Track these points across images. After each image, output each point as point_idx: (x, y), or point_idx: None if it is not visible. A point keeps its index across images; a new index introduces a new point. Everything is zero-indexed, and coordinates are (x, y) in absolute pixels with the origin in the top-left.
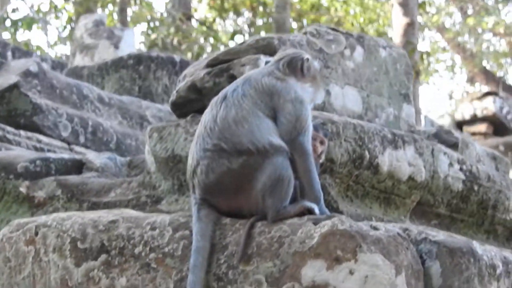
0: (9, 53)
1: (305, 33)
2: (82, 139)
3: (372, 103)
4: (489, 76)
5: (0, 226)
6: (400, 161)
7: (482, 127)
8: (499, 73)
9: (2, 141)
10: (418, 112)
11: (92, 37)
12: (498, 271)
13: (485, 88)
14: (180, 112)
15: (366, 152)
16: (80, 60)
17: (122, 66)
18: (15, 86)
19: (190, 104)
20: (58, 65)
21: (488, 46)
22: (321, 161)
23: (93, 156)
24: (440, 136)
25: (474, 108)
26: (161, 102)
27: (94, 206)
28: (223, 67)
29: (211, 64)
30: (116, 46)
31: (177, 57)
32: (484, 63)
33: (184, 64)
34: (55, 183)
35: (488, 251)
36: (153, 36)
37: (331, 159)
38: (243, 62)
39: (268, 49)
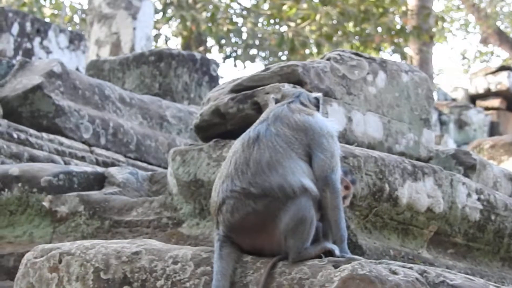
0: (27, 24)
1: (328, 59)
2: (103, 140)
3: (393, 129)
4: (502, 37)
5: (22, 238)
6: (419, 193)
7: (495, 102)
8: None
9: (25, 145)
10: (431, 77)
11: (110, 7)
12: None
13: (498, 50)
14: (204, 135)
15: (386, 185)
16: (97, 31)
17: (143, 62)
18: (38, 87)
19: (214, 128)
20: (76, 36)
21: (502, 7)
22: (345, 205)
23: (115, 171)
24: (458, 157)
25: (488, 82)
26: (181, 100)
27: (115, 225)
28: (247, 94)
29: (235, 90)
30: (134, 17)
31: (197, 55)
32: (498, 23)
33: (205, 62)
34: (77, 199)
35: None
36: None
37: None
38: (267, 90)
39: (293, 76)
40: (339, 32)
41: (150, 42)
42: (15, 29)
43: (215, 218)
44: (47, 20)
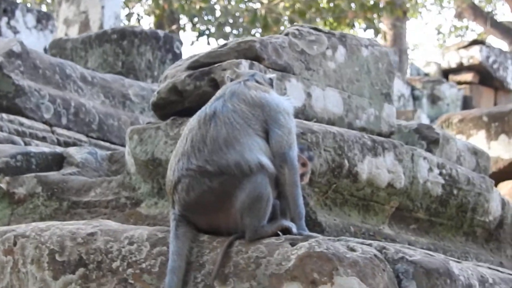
0: None
1: (287, 34)
2: (64, 120)
3: (353, 104)
4: (477, 12)
5: None
6: (379, 168)
7: (468, 76)
8: (488, 8)
9: None
10: (404, 53)
11: None
12: None
13: (473, 24)
14: (161, 113)
15: (346, 161)
16: (66, 10)
17: (106, 40)
18: None
19: (171, 106)
20: (44, 16)
21: None
22: (303, 183)
23: (73, 151)
24: (421, 132)
25: (461, 56)
26: (144, 78)
27: (73, 205)
28: (204, 71)
29: (192, 67)
30: None
31: (161, 32)
32: None
33: (168, 39)
34: (35, 180)
35: (464, 270)
36: None
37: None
38: (224, 66)
39: (250, 52)
40: (313, 9)
41: (119, 20)
42: None
43: (171, 197)
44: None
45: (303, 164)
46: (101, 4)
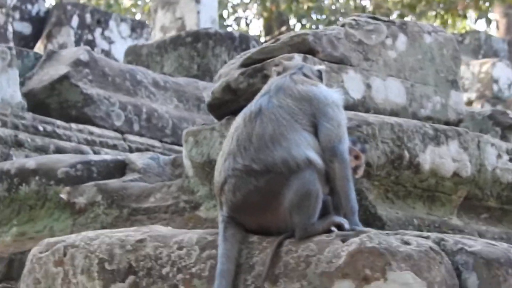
0: (87, 15)
1: (343, 25)
2: (136, 127)
3: (417, 93)
4: None
5: (43, 233)
6: (443, 158)
7: None
8: None
9: (52, 137)
10: None
11: None
12: None
13: None
14: (217, 113)
15: (406, 152)
16: (162, 17)
17: (181, 44)
18: (65, 77)
19: (226, 105)
20: (138, 24)
21: None
22: (357, 176)
23: (135, 157)
24: (495, 118)
25: None
26: None
27: (134, 212)
28: (257, 67)
29: (245, 64)
30: (197, 1)
31: (236, 33)
32: None
33: (244, 39)
34: (95, 189)
35: None
36: None
37: (367, 162)
38: (276, 62)
39: (303, 46)
40: (423, 2)
41: (216, 24)
42: (75, 21)
43: (219, 199)
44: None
45: (356, 157)
46: (196, 9)
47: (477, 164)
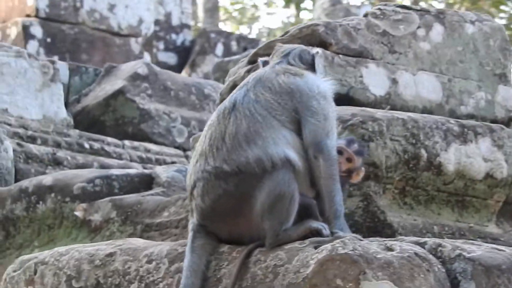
0: (233, 43)
1: (365, 15)
2: None
3: (456, 88)
4: None
5: None
6: (471, 157)
7: None
8: None
9: (99, 154)
10: None
11: (329, 17)
12: None
13: None
14: None
15: (423, 151)
16: None
17: None
18: (120, 92)
19: None
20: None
21: None
22: (354, 182)
23: (160, 170)
24: None
25: None
26: None
27: (147, 228)
28: (262, 62)
29: (252, 61)
30: None
31: None
32: None
33: None
34: (110, 204)
35: None
36: None
37: (372, 163)
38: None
39: (313, 38)
40: None
41: None
42: (220, 49)
43: (190, 205)
44: None
45: (348, 160)
46: None
47: None
